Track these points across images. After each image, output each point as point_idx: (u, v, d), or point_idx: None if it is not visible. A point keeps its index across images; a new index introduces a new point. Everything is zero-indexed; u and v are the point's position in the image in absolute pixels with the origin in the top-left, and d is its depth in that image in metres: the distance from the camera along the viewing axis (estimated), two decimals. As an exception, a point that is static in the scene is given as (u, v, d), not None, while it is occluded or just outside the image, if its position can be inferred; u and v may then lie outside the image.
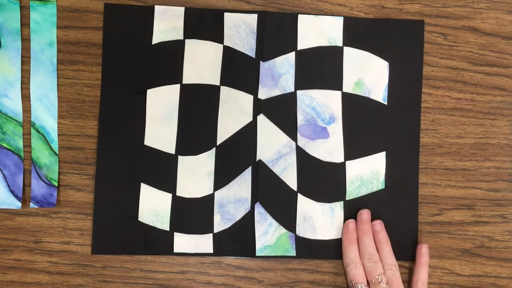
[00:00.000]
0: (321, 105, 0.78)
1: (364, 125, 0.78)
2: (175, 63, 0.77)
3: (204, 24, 0.77)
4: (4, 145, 0.75)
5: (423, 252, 0.76)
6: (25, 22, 0.76)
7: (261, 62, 0.77)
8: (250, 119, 0.77)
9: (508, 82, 0.79)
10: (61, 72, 0.76)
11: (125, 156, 0.76)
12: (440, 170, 0.79)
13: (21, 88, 0.76)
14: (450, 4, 0.79)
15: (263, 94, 0.77)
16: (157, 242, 0.76)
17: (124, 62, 0.77)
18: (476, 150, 0.79)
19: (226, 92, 0.77)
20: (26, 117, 0.76)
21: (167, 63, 0.77)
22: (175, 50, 0.77)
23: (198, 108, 0.77)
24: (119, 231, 0.76)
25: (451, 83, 0.79)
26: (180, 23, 0.77)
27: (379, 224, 0.77)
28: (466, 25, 0.79)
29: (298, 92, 0.77)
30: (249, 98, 0.77)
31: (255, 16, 0.77)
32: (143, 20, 0.77)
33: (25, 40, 0.76)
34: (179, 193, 0.76)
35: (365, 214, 0.77)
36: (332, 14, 0.78)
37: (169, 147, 0.77)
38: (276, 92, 0.77)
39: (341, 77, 0.78)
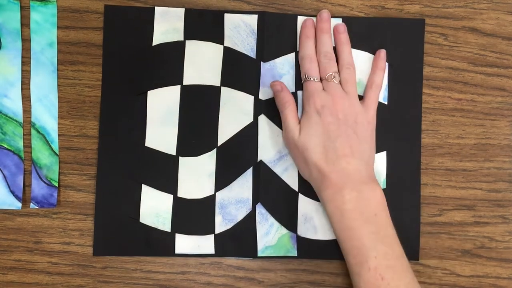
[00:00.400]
0: (321, 105, 0.78)
1: (365, 125, 0.78)
2: (175, 64, 0.77)
3: (204, 25, 0.77)
4: (4, 146, 0.75)
5: (381, 56, 0.77)
6: (25, 23, 0.76)
7: (261, 62, 0.77)
8: (251, 119, 0.77)
9: (509, 82, 0.79)
10: (62, 73, 0.76)
11: (126, 157, 0.76)
12: (440, 171, 0.79)
13: (21, 89, 0.76)
14: (450, 5, 0.79)
15: (263, 94, 0.77)
16: (158, 244, 0.76)
17: (124, 63, 0.77)
18: (476, 151, 0.79)
19: (227, 93, 0.77)
20: (26, 118, 0.76)
21: (167, 64, 0.77)
22: (175, 51, 0.77)
23: (198, 109, 0.77)
24: (120, 233, 0.76)
25: (452, 84, 0.79)
26: (180, 24, 0.77)
27: (341, 26, 0.77)
28: (466, 25, 0.79)
29: (299, 92, 0.77)
30: (250, 98, 0.77)
31: (255, 17, 0.77)
32: (143, 22, 0.77)
33: (25, 41, 0.76)
34: (180, 194, 0.76)
35: (324, 13, 0.77)
36: (333, 15, 0.78)
37: (170, 148, 0.76)
38: (277, 93, 0.77)
39: (341, 77, 0.78)
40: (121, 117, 0.76)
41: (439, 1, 0.79)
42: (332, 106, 0.72)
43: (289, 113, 0.74)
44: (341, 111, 0.72)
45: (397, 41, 0.79)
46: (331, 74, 0.74)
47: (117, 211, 0.76)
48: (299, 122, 0.74)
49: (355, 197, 0.70)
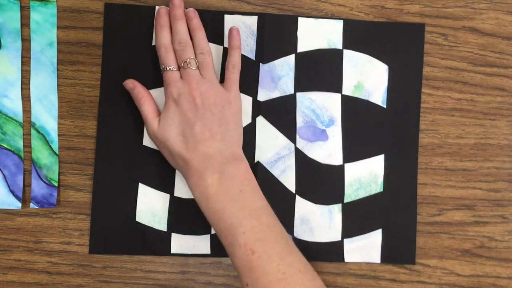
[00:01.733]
0: (320, 108, 0.78)
1: (363, 128, 0.78)
2: (175, 65, 0.77)
3: (204, 26, 0.76)
4: (4, 145, 0.75)
5: (234, 34, 0.75)
6: (25, 22, 0.76)
7: (260, 64, 0.77)
8: (249, 120, 0.77)
9: (508, 82, 0.79)
10: (61, 73, 0.76)
11: (124, 156, 0.76)
12: (440, 171, 0.79)
13: (21, 89, 0.76)
14: (450, 5, 0.79)
15: (262, 96, 0.77)
16: (154, 243, 0.76)
17: (124, 62, 0.76)
18: (476, 151, 0.79)
19: (225, 94, 0.77)
20: (26, 118, 0.76)
21: (167, 64, 0.77)
22: (175, 52, 0.77)
23: (197, 109, 0.77)
24: (116, 231, 0.76)
25: (451, 84, 0.79)
26: (181, 24, 0.77)
27: (192, 12, 0.76)
28: (466, 25, 0.79)
29: (298, 94, 0.77)
30: (249, 100, 0.77)
31: (255, 18, 0.77)
32: (143, 21, 0.77)
33: (25, 40, 0.76)
34: (177, 193, 0.76)
35: None
36: (332, 14, 0.78)
37: (167, 147, 0.76)
38: (275, 94, 0.77)
39: (340, 80, 0.78)
40: (119, 115, 0.76)
41: (439, 1, 0.79)
42: (188, 93, 0.71)
43: (146, 108, 0.74)
44: (198, 96, 0.71)
45: (397, 45, 0.79)
46: (187, 61, 0.73)
47: (114, 210, 0.76)
48: (159, 115, 0.74)
49: (217, 179, 0.69)
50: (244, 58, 0.77)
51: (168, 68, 0.73)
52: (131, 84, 0.75)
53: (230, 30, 0.76)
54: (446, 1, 0.79)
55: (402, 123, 0.78)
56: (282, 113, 0.77)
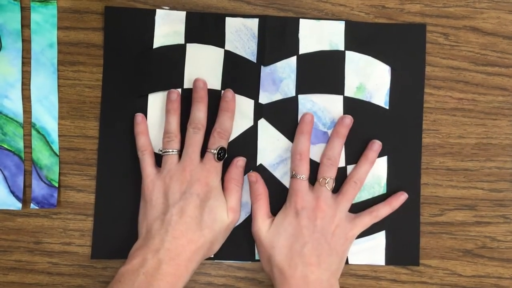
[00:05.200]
0: (322, 110, 0.77)
1: (365, 129, 0.77)
2: (176, 68, 0.76)
3: (205, 29, 0.77)
4: (5, 146, 0.75)
5: (401, 198, 0.77)
6: (25, 23, 0.76)
7: (262, 66, 0.77)
8: (251, 123, 0.77)
9: (510, 82, 0.79)
10: (62, 73, 0.76)
11: (126, 159, 0.76)
12: (441, 171, 0.78)
13: (22, 89, 0.76)
14: (451, 4, 0.79)
15: (264, 98, 0.77)
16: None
17: (125, 65, 0.76)
18: (477, 150, 0.79)
19: (227, 97, 0.77)
20: (27, 118, 0.76)
21: (168, 67, 0.76)
22: (176, 54, 0.76)
23: (199, 112, 0.76)
24: (119, 236, 0.76)
25: (453, 83, 0.79)
26: (181, 27, 0.77)
27: (377, 144, 0.76)
28: (467, 25, 0.79)
29: (299, 96, 0.77)
30: (250, 102, 0.77)
31: (256, 20, 0.77)
32: (144, 24, 0.77)
33: (26, 41, 0.76)
34: (179, 197, 0.76)
35: (347, 119, 0.76)
36: (333, 14, 0.78)
37: (170, 151, 0.76)
38: (277, 97, 0.77)
39: (342, 82, 0.78)
40: (121, 119, 0.76)
41: (440, 1, 0.79)
42: (312, 210, 0.72)
43: (259, 207, 0.75)
44: (320, 218, 0.72)
45: (399, 46, 0.78)
46: (326, 179, 0.74)
47: (116, 215, 0.76)
48: (271, 217, 0.75)
49: None
50: (245, 60, 0.77)
51: (298, 176, 0.73)
52: (254, 178, 0.75)
53: (400, 194, 0.77)
54: (447, 1, 0.79)
55: (405, 125, 0.78)
56: (284, 116, 0.77)
